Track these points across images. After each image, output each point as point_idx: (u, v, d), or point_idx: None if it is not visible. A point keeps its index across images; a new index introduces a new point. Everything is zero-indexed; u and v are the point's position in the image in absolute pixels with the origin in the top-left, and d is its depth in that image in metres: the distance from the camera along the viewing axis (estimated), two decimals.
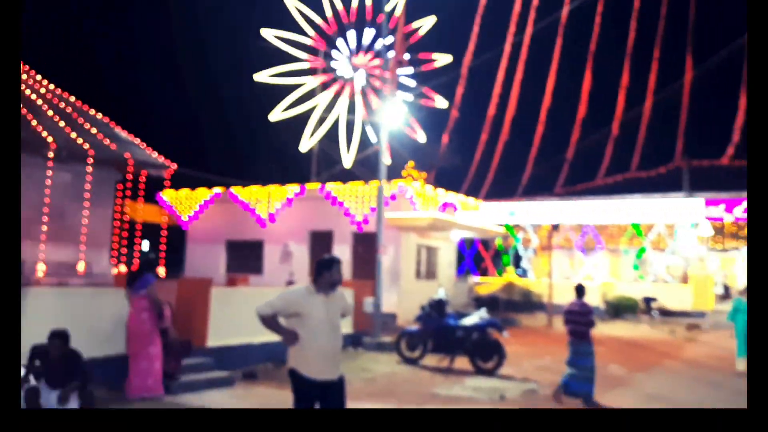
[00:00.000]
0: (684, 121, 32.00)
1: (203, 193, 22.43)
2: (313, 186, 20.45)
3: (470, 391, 10.13)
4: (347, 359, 12.87)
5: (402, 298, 17.90)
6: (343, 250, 19.36)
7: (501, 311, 23.93)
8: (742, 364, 12.11)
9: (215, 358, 10.23)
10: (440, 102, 32.43)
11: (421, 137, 17.00)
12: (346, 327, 14.13)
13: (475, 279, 30.98)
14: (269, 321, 5.08)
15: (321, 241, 19.88)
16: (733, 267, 30.56)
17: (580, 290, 9.88)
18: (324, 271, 5.15)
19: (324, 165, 25.25)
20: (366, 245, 18.53)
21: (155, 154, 17.50)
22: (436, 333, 12.19)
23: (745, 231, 27.75)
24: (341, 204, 19.25)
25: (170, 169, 17.45)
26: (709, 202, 27.19)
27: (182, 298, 10.44)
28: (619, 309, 23.99)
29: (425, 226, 17.92)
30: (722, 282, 30.39)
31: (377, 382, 10.67)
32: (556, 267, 32.66)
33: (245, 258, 21.07)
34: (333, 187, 19.59)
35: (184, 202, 22.74)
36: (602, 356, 14.64)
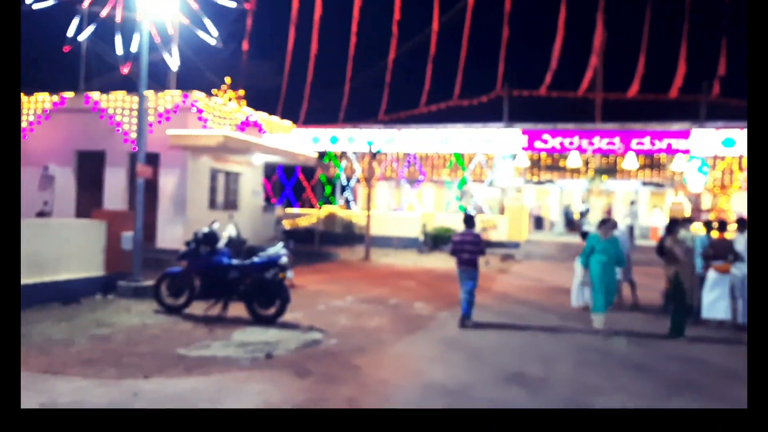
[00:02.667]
0: (504, 47, 31.50)
1: None
2: (72, 95, 16.43)
3: (232, 348, 7.87)
4: (86, 309, 10.01)
5: (190, 231, 15.05)
6: (117, 174, 15.97)
7: (317, 245, 22.09)
8: (597, 321, 9.42)
9: None
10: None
11: (214, 40, 14.12)
12: (95, 268, 11.18)
13: (294, 210, 28.88)
14: None
15: (90, 163, 16.24)
16: (548, 199, 31.29)
17: (469, 220, 9.68)
18: None
19: (96, 71, 20.85)
20: None
21: None
22: (205, 274, 9.75)
23: (561, 162, 28.21)
24: (112, 118, 15.67)
25: None
26: (528, 133, 27.23)
27: None
28: (438, 240, 23.17)
29: (215, 145, 15.00)
30: (536, 214, 31.04)
31: (110, 341, 8.03)
32: (381, 198, 31.68)
33: None
34: (101, 97, 15.84)
35: None
36: (412, 291, 13.31)
